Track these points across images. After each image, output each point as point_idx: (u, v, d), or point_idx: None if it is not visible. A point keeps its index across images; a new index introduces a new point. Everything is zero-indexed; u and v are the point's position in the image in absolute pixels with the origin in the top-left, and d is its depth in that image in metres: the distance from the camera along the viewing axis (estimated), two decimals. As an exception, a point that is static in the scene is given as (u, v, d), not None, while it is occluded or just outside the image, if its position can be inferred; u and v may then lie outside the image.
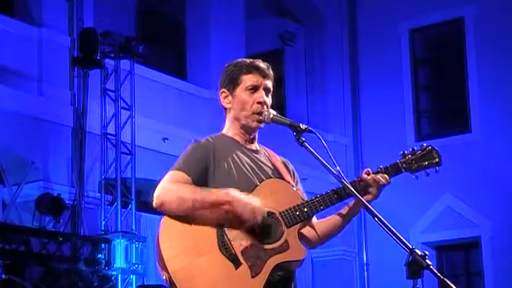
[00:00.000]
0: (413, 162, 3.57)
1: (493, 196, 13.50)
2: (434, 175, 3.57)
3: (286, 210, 3.42)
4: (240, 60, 3.61)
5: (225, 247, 3.31)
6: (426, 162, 3.57)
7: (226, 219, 3.33)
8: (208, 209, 3.32)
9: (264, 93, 3.55)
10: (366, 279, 14.39)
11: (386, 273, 13.27)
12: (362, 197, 3.45)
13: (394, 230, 3.15)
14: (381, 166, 3.56)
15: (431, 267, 3.04)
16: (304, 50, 15.42)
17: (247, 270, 3.30)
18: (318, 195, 3.48)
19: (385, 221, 3.19)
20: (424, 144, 3.62)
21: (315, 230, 3.61)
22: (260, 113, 3.53)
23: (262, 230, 3.36)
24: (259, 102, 3.53)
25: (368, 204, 3.37)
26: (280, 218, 3.41)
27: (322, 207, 3.47)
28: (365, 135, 14.84)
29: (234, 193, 3.32)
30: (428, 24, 14.72)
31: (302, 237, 3.49)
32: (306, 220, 3.48)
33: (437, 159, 3.58)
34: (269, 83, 3.58)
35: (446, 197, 13.75)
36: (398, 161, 3.58)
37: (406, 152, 3.59)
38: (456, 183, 13.64)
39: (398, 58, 14.78)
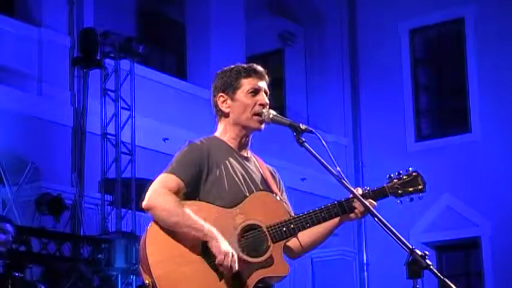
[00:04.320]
0: (399, 187, 3.57)
1: (493, 196, 13.50)
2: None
3: (274, 226, 3.43)
4: (235, 65, 3.62)
5: (210, 257, 3.33)
6: (411, 189, 3.58)
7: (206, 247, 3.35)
8: (190, 234, 3.34)
9: (264, 95, 3.57)
10: (366, 279, 14.38)
11: (386, 273, 13.26)
12: (347, 215, 3.52)
13: (394, 230, 3.15)
14: (368, 188, 3.56)
15: (431, 267, 3.04)
16: (304, 50, 15.42)
17: (231, 282, 3.32)
18: (305, 212, 3.48)
19: (385, 221, 3.20)
20: (410, 169, 3.62)
21: (299, 241, 3.60)
22: (260, 114, 3.53)
23: (247, 244, 3.37)
24: (261, 104, 3.54)
25: (368, 205, 3.38)
26: (267, 232, 3.42)
27: (308, 226, 3.47)
28: (365, 135, 14.84)
29: (214, 238, 3.31)
30: (428, 24, 14.72)
31: (286, 248, 3.49)
32: (291, 237, 3.48)
33: (421, 186, 3.58)
34: (266, 86, 3.60)
35: (446, 197, 13.74)
36: (385, 184, 3.58)
37: (392, 175, 3.60)
38: (456, 183, 13.64)
39: (398, 58, 14.78)
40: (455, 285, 3.03)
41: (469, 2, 14.19)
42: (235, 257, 3.30)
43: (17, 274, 6.35)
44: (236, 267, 3.29)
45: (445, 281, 3.01)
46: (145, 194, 3.41)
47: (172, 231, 3.35)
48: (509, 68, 13.76)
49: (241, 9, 13.53)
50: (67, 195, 9.95)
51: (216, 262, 3.29)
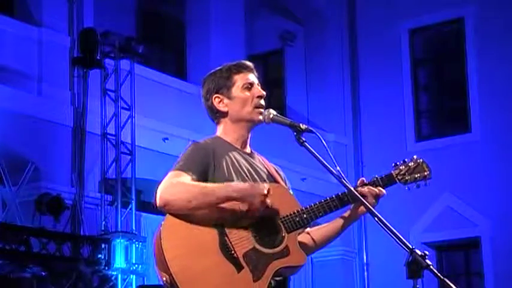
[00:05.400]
0: (406, 173, 3.59)
1: (493, 196, 13.50)
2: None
3: (287, 216, 3.43)
4: (221, 66, 3.63)
5: (227, 250, 3.31)
6: (418, 175, 3.59)
7: (229, 215, 3.34)
8: (215, 204, 3.31)
9: (259, 87, 3.59)
10: (366, 279, 14.39)
11: (386, 273, 13.27)
12: (356, 206, 3.53)
13: (394, 230, 3.15)
14: (376, 176, 3.57)
15: (431, 267, 3.04)
16: (304, 50, 15.42)
17: (249, 274, 3.30)
18: (317, 202, 3.49)
19: (385, 220, 3.19)
20: (415, 156, 3.63)
21: (311, 237, 3.61)
22: (261, 106, 3.55)
23: (263, 235, 3.37)
24: (259, 96, 3.56)
25: (368, 205, 3.37)
26: (280, 223, 3.42)
27: (321, 214, 3.49)
28: (365, 135, 14.84)
29: (234, 184, 3.35)
30: (428, 24, 14.72)
31: (300, 244, 3.49)
32: (305, 226, 3.50)
33: (427, 172, 3.60)
34: (257, 80, 3.62)
35: (446, 197, 13.75)
36: (392, 171, 3.59)
37: (398, 163, 3.61)
38: (456, 183, 13.65)
39: (399, 58, 14.79)
40: (455, 285, 3.03)
41: (469, 2, 14.20)
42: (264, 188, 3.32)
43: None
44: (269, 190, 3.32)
45: (445, 281, 3.00)
46: (155, 195, 3.37)
47: (187, 224, 3.31)
48: (509, 68, 13.77)
49: (241, 9, 13.53)
50: (67, 195, 9.94)
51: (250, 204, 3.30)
